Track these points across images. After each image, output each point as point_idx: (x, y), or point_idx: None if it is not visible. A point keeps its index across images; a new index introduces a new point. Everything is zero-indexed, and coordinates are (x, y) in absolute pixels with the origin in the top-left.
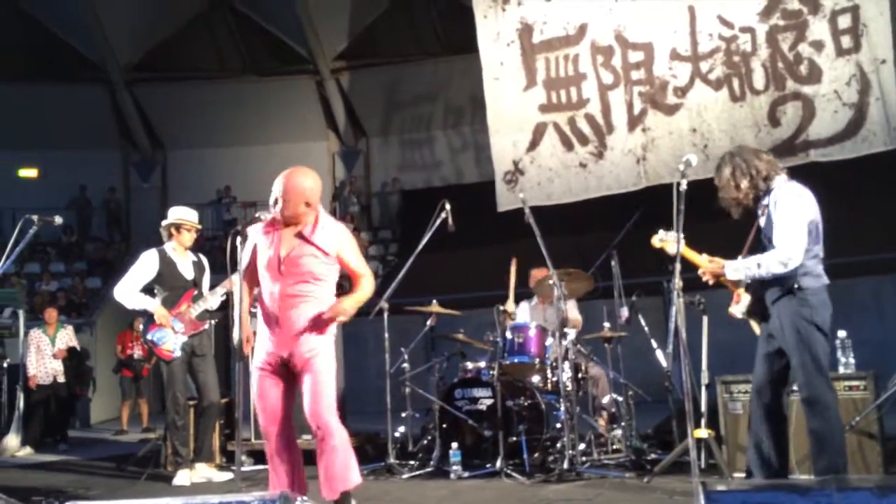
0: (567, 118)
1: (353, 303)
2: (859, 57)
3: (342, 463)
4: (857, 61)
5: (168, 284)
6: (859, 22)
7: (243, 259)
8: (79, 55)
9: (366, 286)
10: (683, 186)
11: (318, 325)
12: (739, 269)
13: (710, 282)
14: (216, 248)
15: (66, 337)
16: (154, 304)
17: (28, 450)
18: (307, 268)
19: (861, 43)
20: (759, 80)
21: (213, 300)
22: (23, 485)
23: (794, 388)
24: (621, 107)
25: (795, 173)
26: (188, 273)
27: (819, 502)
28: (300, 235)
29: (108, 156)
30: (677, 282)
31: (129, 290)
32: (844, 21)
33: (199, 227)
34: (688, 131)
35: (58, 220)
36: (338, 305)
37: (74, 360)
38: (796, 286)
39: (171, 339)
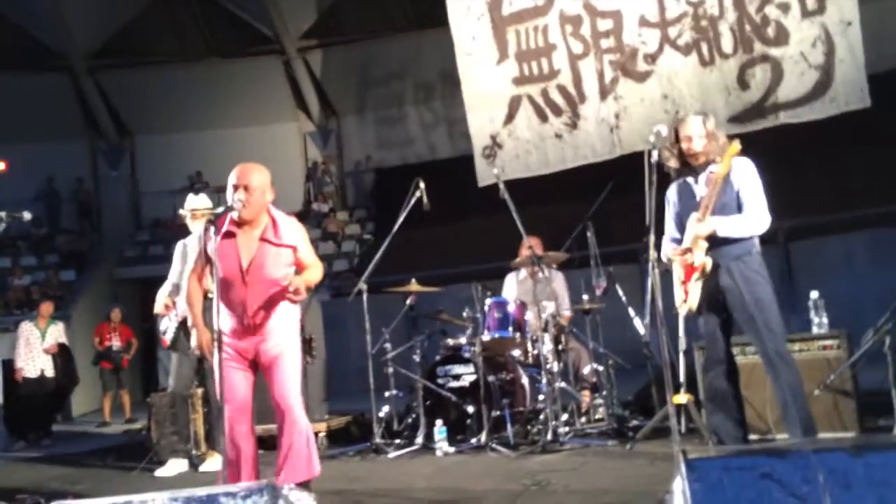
0: (540, 90)
1: (304, 283)
2: (824, 19)
3: (306, 452)
4: (822, 23)
5: (184, 274)
6: None
7: (192, 257)
8: (39, 44)
9: (317, 272)
10: (655, 157)
11: (283, 321)
12: (726, 224)
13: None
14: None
15: (57, 332)
16: (160, 294)
17: (21, 444)
18: (271, 274)
19: (826, 5)
20: (727, 43)
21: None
22: (6, 483)
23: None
24: (592, 76)
25: (766, 134)
26: (185, 258)
27: (797, 464)
28: (263, 239)
29: (74, 145)
30: (652, 253)
31: (164, 287)
32: None
33: (214, 211)
34: (659, 98)
35: (26, 215)
36: (294, 280)
37: (63, 356)
38: (755, 249)
39: (167, 326)
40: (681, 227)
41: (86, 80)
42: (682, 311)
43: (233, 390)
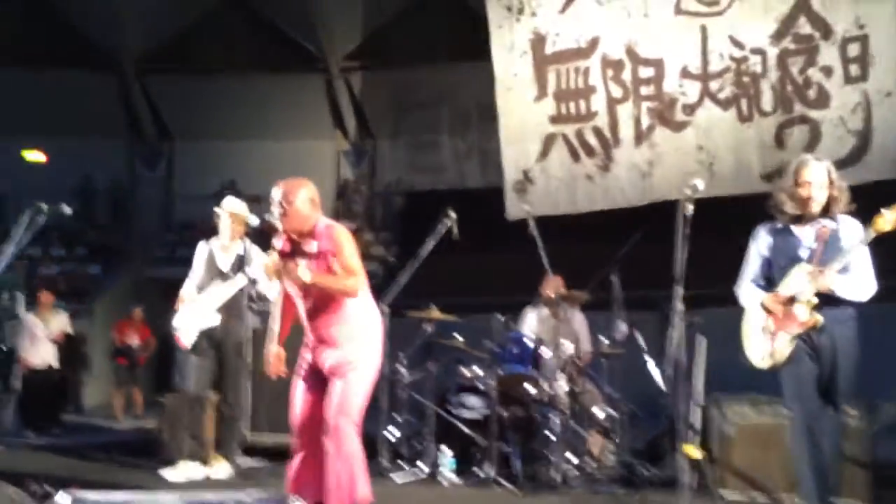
0: (575, 130)
1: (319, 279)
2: (866, 86)
3: (348, 474)
4: (863, 90)
5: (208, 276)
6: (868, 52)
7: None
8: (91, 43)
9: (346, 281)
10: (689, 211)
11: (348, 337)
12: (846, 284)
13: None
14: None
15: (61, 322)
16: (183, 290)
17: (29, 432)
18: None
19: (869, 73)
20: (767, 101)
21: (219, 296)
22: (16, 468)
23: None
24: (629, 121)
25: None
26: (224, 265)
27: None
28: (310, 252)
29: (114, 144)
30: (678, 305)
31: (185, 285)
32: (854, 49)
33: (241, 216)
34: (694, 149)
35: (66, 209)
36: (296, 268)
37: (68, 345)
38: (855, 316)
39: (185, 327)
40: (767, 271)
41: (133, 82)
42: (763, 364)
43: (293, 403)
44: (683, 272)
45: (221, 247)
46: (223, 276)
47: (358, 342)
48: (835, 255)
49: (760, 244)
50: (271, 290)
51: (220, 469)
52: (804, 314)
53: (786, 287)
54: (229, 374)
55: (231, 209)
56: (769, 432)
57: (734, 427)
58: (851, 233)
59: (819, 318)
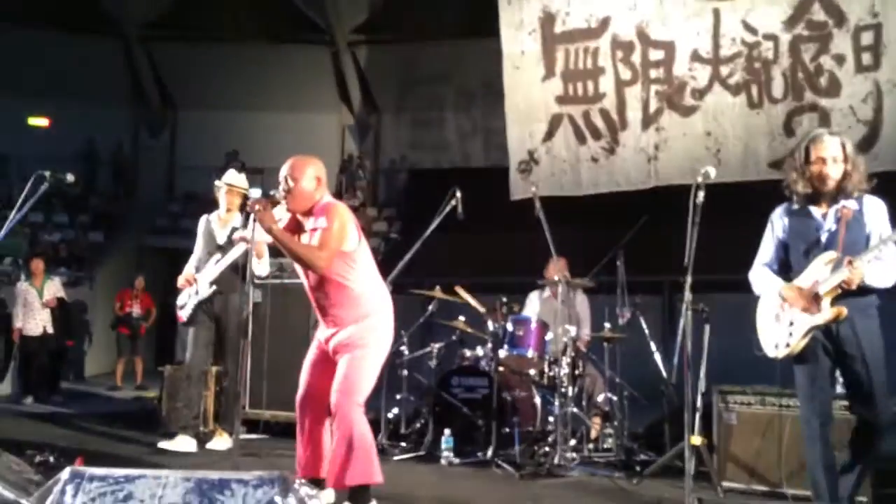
0: (582, 111)
1: (283, 236)
2: (878, 75)
3: (349, 456)
4: (875, 79)
5: (206, 249)
6: (881, 41)
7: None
8: (97, 8)
9: (312, 252)
10: (700, 199)
11: (355, 317)
12: (876, 273)
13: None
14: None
15: (54, 288)
16: (186, 268)
17: (29, 399)
18: None
19: (881, 62)
20: (777, 88)
21: (214, 269)
22: (16, 436)
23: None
24: (637, 104)
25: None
26: (221, 238)
27: None
28: (309, 227)
29: (118, 110)
30: (687, 295)
31: (190, 261)
32: (867, 38)
33: (239, 188)
34: (702, 134)
35: (70, 177)
36: (269, 215)
37: (62, 311)
38: (877, 303)
39: (185, 301)
40: (783, 257)
41: (137, 49)
42: (777, 354)
43: (303, 378)
44: (692, 261)
45: (219, 220)
46: (221, 250)
47: (364, 323)
48: (858, 239)
49: (776, 227)
50: (261, 267)
51: (220, 442)
52: (826, 307)
53: (807, 277)
54: (228, 348)
55: (230, 182)
56: (768, 423)
57: (736, 416)
58: (876, 213)
59: (843, 311)
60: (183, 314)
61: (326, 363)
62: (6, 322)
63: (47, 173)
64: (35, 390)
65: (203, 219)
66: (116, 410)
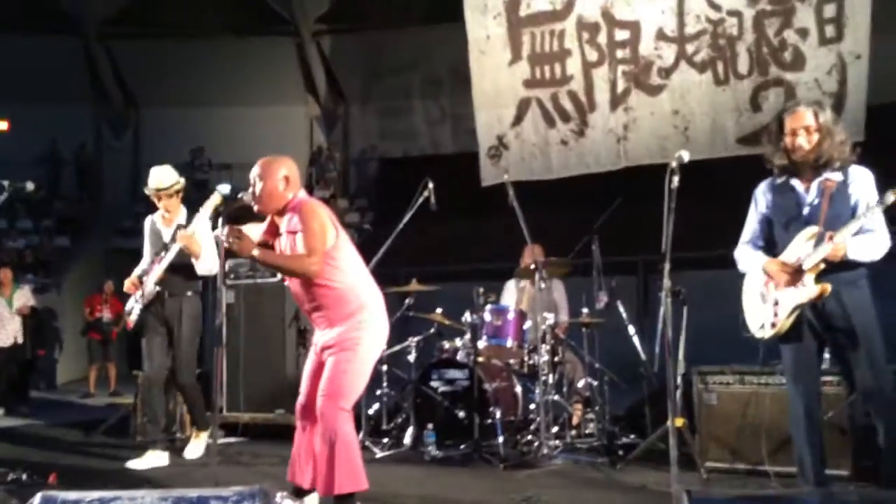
0: (550, 94)
1: (269, 258)
2: (841, 47)
3: (333, 464)
4: (838, 51)
5: (153, 250)
6: (843, 12)
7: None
8: (54, 6)
9: (301, 262)
10: (675, 184)
11: (338, 320)
12: (860, 246)
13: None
14: (190, 211)
15: (24, 297)
16: (134, 272)
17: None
18: None
19: (844, 34)
20: (743, 64)
21: (158, 269)
22: None
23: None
24: (604, 85)
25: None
26: (167, 236)
27: None
28: (286, 231)
29: (80, 111)
30: (666, 282)
31: (139, 265)
32: (830, 10)
33: (165, 188)
34: (670, 113)
35: (29, 185)
36: (244, 239)
37: (33, 319)
38: (866, 274)
39: (132, 307)
40: (767, 232)
41: (97, 47)
42: (762, 333)
43: (302, 386)
44: (670, 246)
45: (163, 219)
46: (167, 249)
47: (353, 320)
48: (843, 212)
49: (760, 202)
50: (201, 266)
51: (196, 445)
52: (810, 283)
53: (790, 253)
54: (178, 349)
55: (154, 186)
56: (749, 399)
57: (716, 396)
58: (862, 182)
59: (826, 287)
60: (131, 320)
61: (321, 369)
62: None
63: (6, 182)
64: (4, 402)
65: (148, 220)
66: (90, 418)
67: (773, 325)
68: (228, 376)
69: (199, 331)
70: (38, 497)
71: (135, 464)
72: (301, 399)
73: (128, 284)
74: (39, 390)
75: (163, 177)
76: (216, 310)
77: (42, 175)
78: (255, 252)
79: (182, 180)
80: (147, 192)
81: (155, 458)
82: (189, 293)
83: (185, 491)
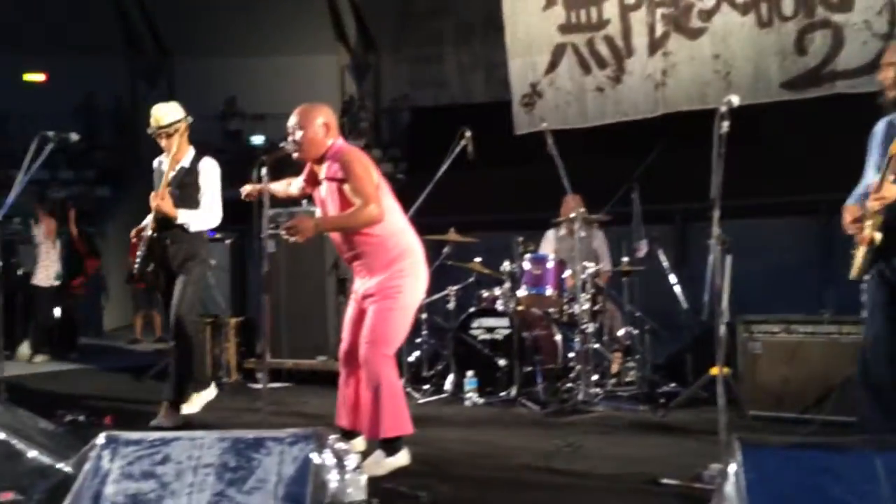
0: (586, 39)
1: (332, 223)
2: None
3: (379, 409)
4: None
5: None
6: None
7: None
8: None
9: (362, 212)
10: (724, 129)
11: (379, 267)
12: None
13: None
14: (221, 161)
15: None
16: (143, 223)
17: (43, 357)
18: (340, 209)
19: None
20: (787, 5)
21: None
22: (40, 395)
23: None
24: (642, 29)
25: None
26: (162, 179)
27: (859, 462)
28: (326, 178)
29: (114, 62)
30: (715, 230)
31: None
32: None
33: (165, 125)
34: (710, 57)
35: (74, 136)
36: (299, 223)
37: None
38: None
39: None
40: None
41: None
42: (850, 275)
43: (343, 334)
44: (720, 194)
45: (169, 159)
46: (171, 188)
47: (394, 268)
48: None
49: (874, 139)
50: (197, 220)
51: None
52: (866, 230)
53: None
54: (177, 293)
55: (154, 125)
56: (796, 349)
57: (760, 345)
58: None
59: (876, 236)
60: (136, 270)
61: (363, 317)
62: (23, 281)
63: (51, 133)
64: (52, 346)
65: (156, 161)
66: (138, 364)
67: (854, 266)
68: (273, 325)
69: (204, 276)
70: (101, 436)
71: (187, 408)
72: (343, 346)
73: (134, 233)
74: (87, 336)
75: (163, 114)
76: (259, 259)
77: (79, 127)
78: (318, 226)
79: (186, 119)
80: (150, 131)
81: (204, 396)
82: (193, 237)
83: (243, 432)
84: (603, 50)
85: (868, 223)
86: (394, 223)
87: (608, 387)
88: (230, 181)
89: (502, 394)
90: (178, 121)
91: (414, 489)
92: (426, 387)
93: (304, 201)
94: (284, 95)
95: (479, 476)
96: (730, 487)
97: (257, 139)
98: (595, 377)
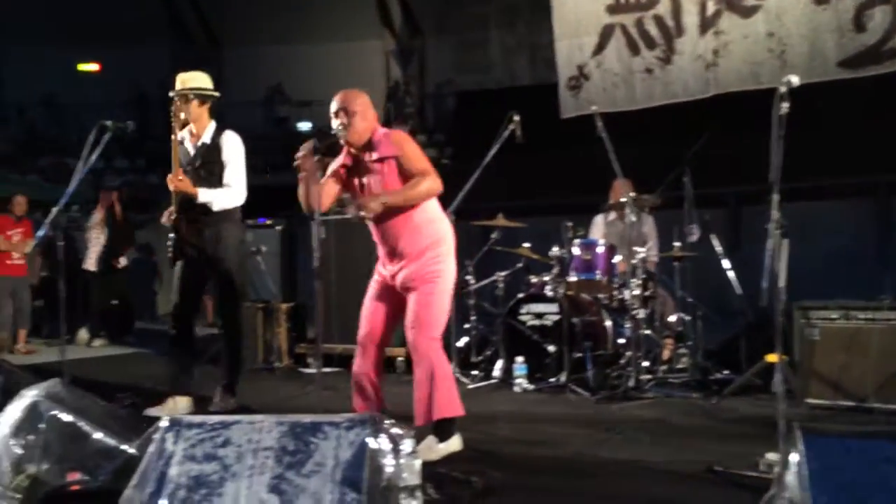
0: (635, 19)
1: (393, 198)
2: None
3: (432, 391)
4: None
5: (180, 170)
6: None
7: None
8: None
9: (422, 184)
10: (784, 110)
11: (420, 250)
12: None
13: None
14: (268, 148)
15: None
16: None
17: (101, 341)
18: (393, 188)
19: None
20: None
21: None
22: (99, 378)
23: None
24: (693, 8)
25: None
26: (185, 157)
27: None
28: (370, 162)
29: (163, 51)
30: (774, 213)
31: None
32: None
33: (195, 97)
34: (764, 36)
35: (130, 125)
36: (367, 199)
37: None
38: None
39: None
40: None
41: None
42: None
43: (363, 315)
44: (779, 177)
45: (191, 135)
46: (193, 166)
47: (431, 254)
48: None
49: None
50: (221, 198)
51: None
52: None
53: None
54: (216, 284)
55: (181, 85)
56: (854, 336)
57: (818, 331)
58: None
59: None
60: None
61: (387, 299)
62: (78, 267)
63: (109, 122)
64: (110, 332)
65: (176, 136)
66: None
67: None
68: (324, 311)
69: (243, 259)
70: (165, 419)
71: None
72: (363, 330)
73: (165, 216)
74: (142, 321)
75: (190, 76)
76: (309, 245)
77: (131, 115)
78: (384, 201)
79: (205, 89)
80: (171, 94)
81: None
82: (220, 218)
83: (300, 416)
84: (652, 30)
85: None
86: (432, 210)
87: (659, 373)
88: (277, 167)
89: (552, 380)
90: (203, 89)
91: (466, 474)
92: (475, 372)
93: None
94: (330, 81)
95: (530, 462)
96: (791, 477)
97: (304, 125)
98: (646, 364)
